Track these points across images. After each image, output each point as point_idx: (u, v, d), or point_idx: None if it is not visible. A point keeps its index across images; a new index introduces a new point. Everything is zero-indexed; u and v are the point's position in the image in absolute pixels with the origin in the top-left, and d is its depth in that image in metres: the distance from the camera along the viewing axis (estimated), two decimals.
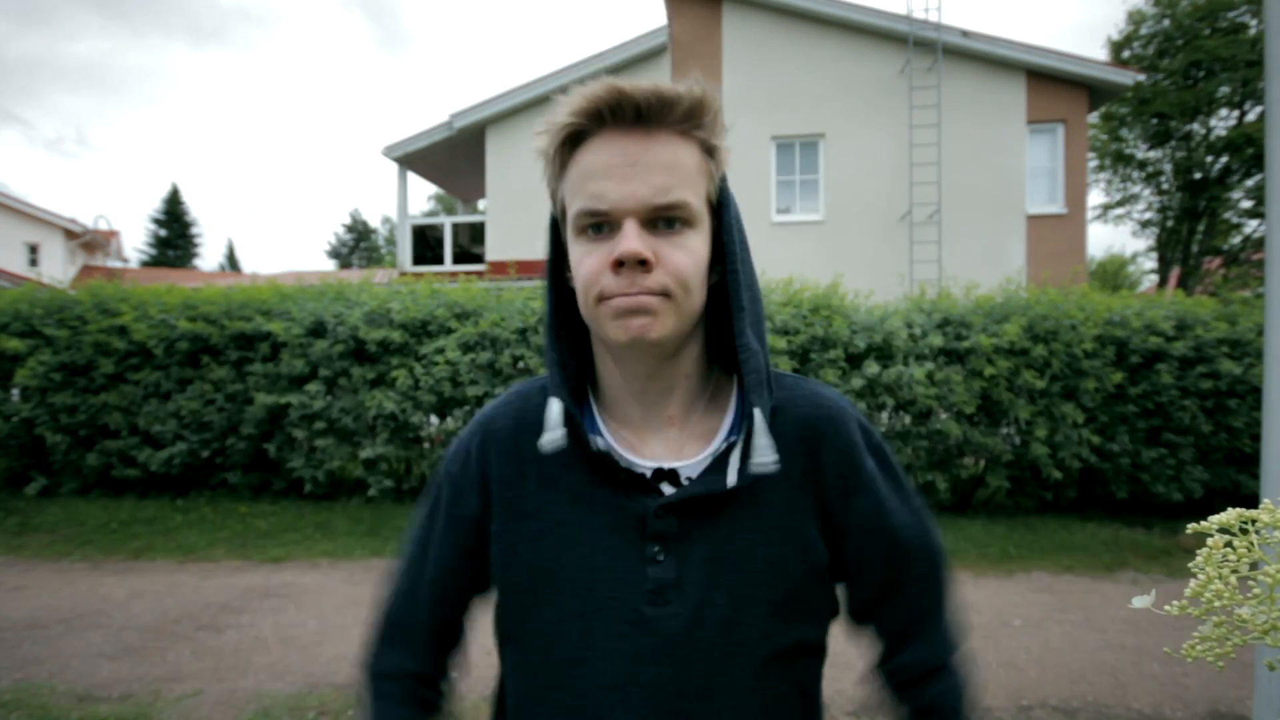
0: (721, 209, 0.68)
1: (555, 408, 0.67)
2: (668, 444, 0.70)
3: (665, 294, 0.62)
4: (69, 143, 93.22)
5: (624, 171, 0.61)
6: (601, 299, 0.63)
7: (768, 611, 0.66)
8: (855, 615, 0.77)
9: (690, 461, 0.69)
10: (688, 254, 0.63)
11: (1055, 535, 5.11)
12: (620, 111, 0.62)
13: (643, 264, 0.61)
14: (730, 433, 0.69)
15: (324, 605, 3.79)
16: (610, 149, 0.62)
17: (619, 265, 0.61)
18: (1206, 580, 0.35)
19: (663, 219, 0.62)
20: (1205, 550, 0.36)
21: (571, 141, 0.65)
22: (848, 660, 3.10)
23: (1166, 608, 0.36)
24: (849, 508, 0.70)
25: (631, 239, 0.60)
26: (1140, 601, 0.38)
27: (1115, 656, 3.16)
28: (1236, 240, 18.04)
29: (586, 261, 0.63)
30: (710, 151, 0.66)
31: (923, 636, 0.74)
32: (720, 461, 0.67)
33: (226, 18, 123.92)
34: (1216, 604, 0.34)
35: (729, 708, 0.66)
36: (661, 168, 0.62)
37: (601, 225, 0.63)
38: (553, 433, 0.67)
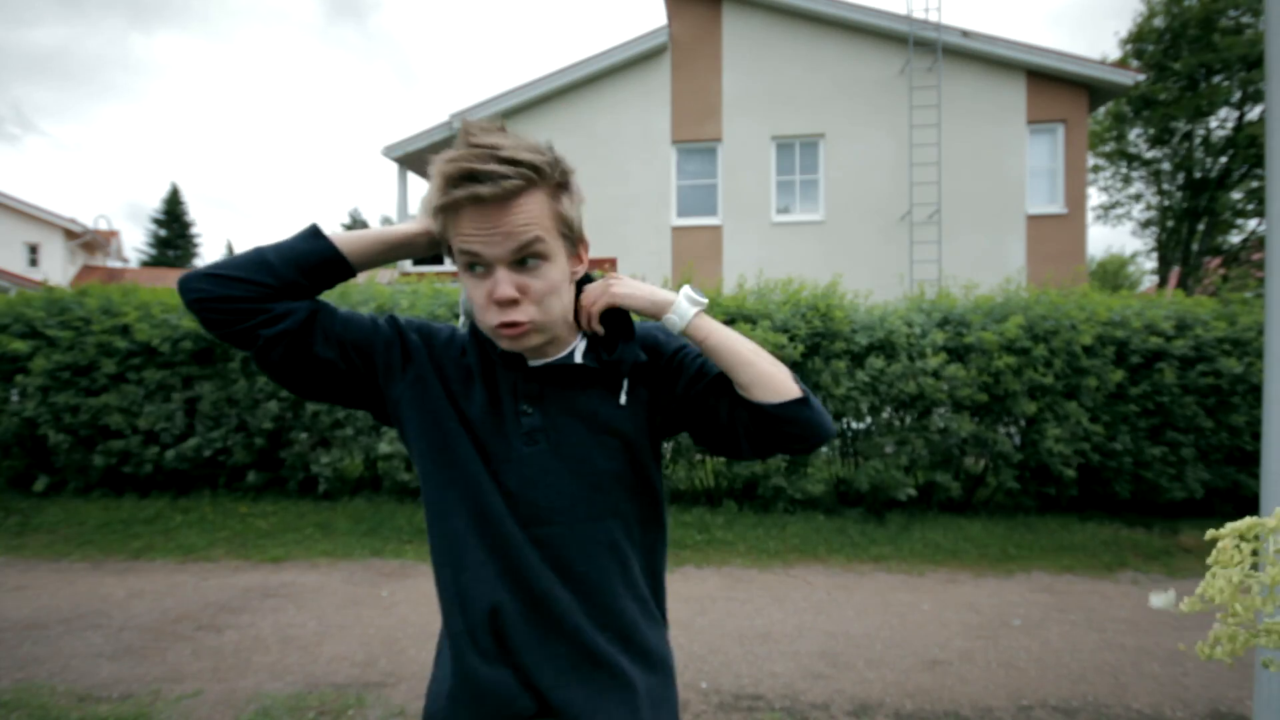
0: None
1: (465, 331, 1.00)
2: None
3: (531, 321, 0.87)
4: (9, 124, 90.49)
5: (489, 237, 0.83)
6: (488, 324, 0.88)
7: (613, 454, 0.95)
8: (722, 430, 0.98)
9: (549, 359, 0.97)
10: (545, 283, 0.87)
11: (1055, 535, 5.10)
12: (476, 200, 0.82)
13: (512, 300, 0.85)
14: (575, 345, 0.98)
15: (324, 605, 3.79)
16: (476, 221, 0.83)
17: (498, 302, 0.85)
18: (1216, 580, 0.35)
19: (527, 258, 0.86)
20: (1217, 551, 0.36)
21: (442, 205, 0.86)
22: (847, 660, 3.11)
23: (1181, 606, 0.36)
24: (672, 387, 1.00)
25: (503, 285, 0.85)
26: (1159, 601, 0.38)
27: (1115, 656, 3.16)
28: (1236, 240, 18.04)
29: (474, 293, 0.88)
30: (556, 190, 0.87)
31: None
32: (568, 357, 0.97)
33: (231, 14, 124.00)
34: (1226, 601, 0.35)
35: (575, 520, 0.94)
36: (518, 227, 0.83)
37: (478, 265, 0.86)
38: (462, 328, 1.01)
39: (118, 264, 25.30)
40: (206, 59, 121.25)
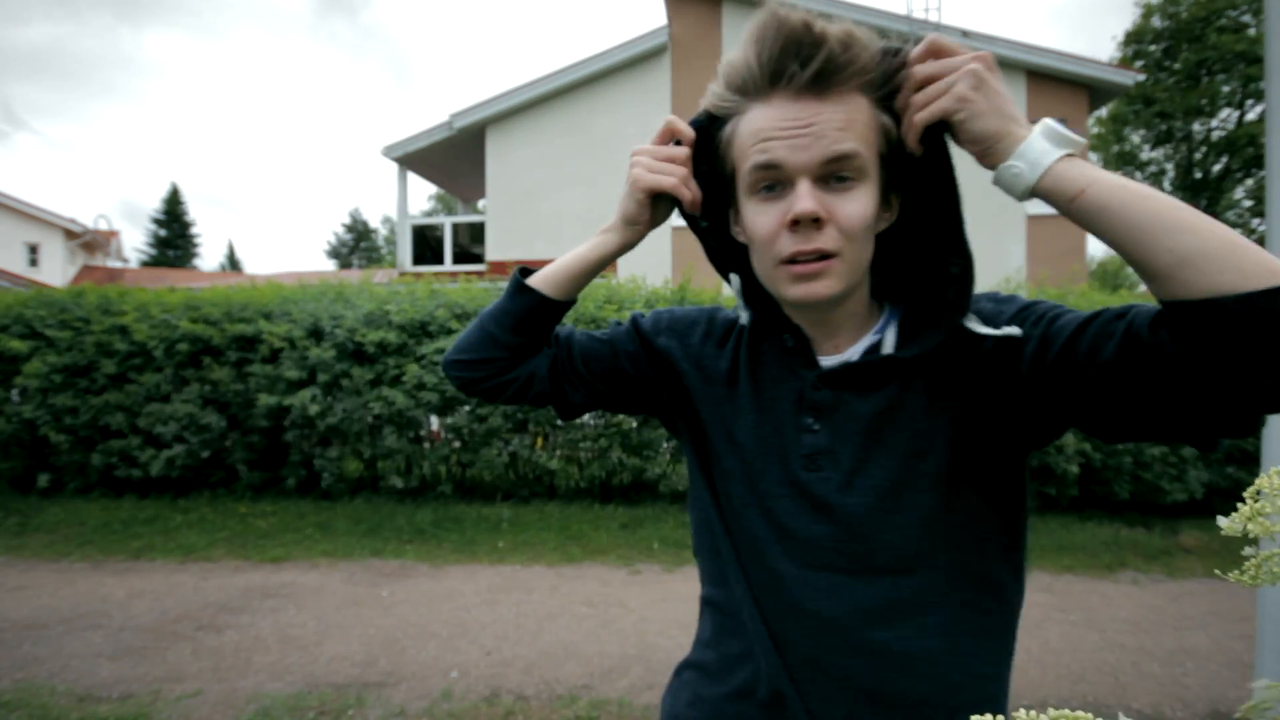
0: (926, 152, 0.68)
1: (738, 287, 0.80)
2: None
3: (836, 253, 0.66)
4: None
5: (795, 136, 0.64)
6: (780, 262, 0.67)
7: (927, 484, 0.69)
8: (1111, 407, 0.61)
9: (847, 353, 0.76)
10: (859, 206, 0.65)
11: (1055, 535, 5.10)
12: (796, 78, 0.63)
13: (816, 221, 0.65)
14: (881, 329, 0.75)
15: (324, 605, 3.79)
16: (782, 111, 0.65)
17: (795, 224, 0.65)
18: (1251, 510, 0.37)
19: (835, 175, 0.65)
20: (1258, 483, 0.38)
21: (740, 91, 0.68)
22: None
23: (1224, 527, 0.38)
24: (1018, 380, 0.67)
25: (806, 198, 0.64)
26: (1225, 522, 0.39)
27: (1115, 656, 3.16)
28: None
29: (761, 220, 0.68)
30: (885, 101, 0.67)
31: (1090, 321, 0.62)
32: (874, 348, 0.74)
33: (222, 9, 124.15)
34: (1265, 526, 0.36)
35: (881, 562, 0.69)
36: (834, 126, 0.64)
37: (774, 185, 0.67)
38: (742, 311, 0.81)
39: (118, 264, 25.30)
40: (199, 56, 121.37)
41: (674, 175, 0.74)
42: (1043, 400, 0.65)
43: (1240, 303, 0.49)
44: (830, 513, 0.70)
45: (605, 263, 0.82)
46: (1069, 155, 0.58)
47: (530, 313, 0.82)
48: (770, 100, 0.65)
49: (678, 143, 0.75)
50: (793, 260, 0.66)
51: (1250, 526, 0.36)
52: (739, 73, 0.67)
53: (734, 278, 0.79)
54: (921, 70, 0.65)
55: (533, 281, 0.82)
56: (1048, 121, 0.59)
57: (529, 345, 0.84)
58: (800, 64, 0.63)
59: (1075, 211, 0.58)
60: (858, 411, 0.71)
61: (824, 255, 0.65)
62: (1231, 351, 0.51)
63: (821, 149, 0.63)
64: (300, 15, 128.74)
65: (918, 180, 0.70)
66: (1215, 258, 0.51)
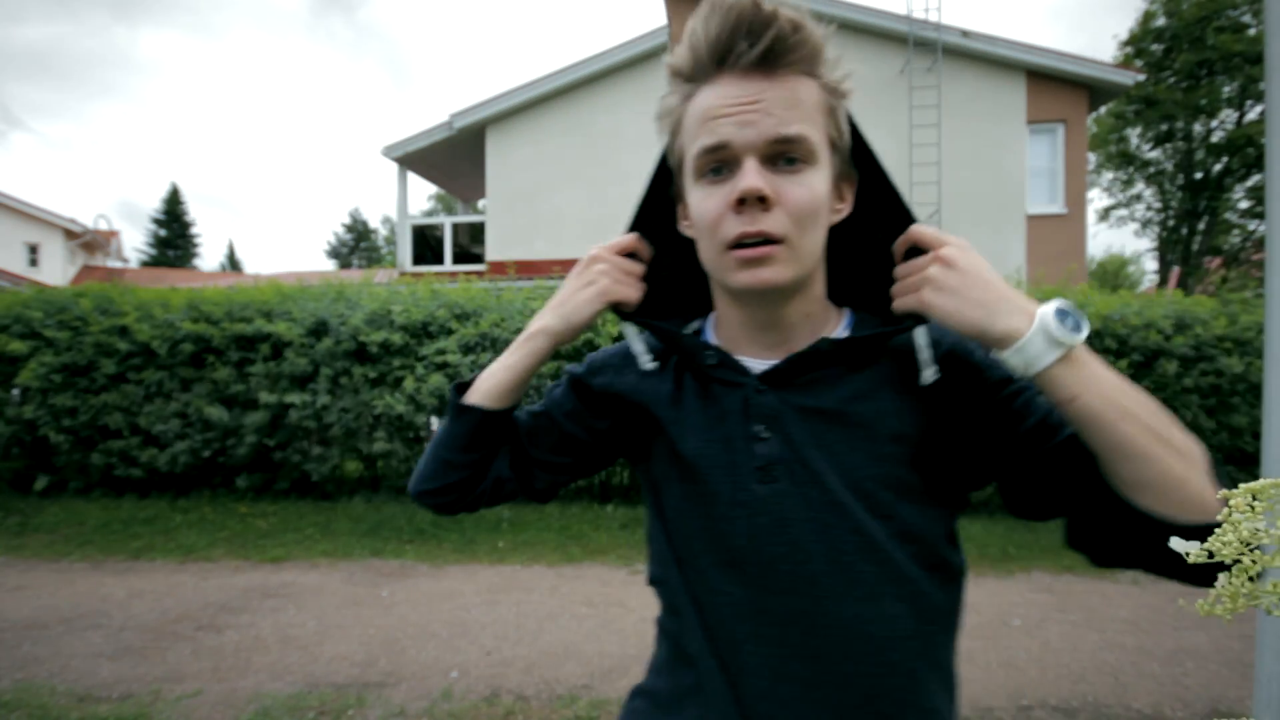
0: (856, 144, 0.72)
1: (638, 345, 0.80)
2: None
3: (783, 239, 0.64)
4: None
5: (742, 113, 0.63)
6: (727, 246, 0.65)
7: (880, 499, 0.67)
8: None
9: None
10: (807, 190, 0.65)
11: (1055, 535, 5.08)
12: (744, 56, 0.63)
13: (763, 201, 0.63)
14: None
15: (324, 605, 3.79)
16: (729, 89, 0.64)
17: (740, 204, 0.63)
18: (1224, 535, 0.36)
19: (783, 156, 0.64)
20: (1228, 509, 0.37)
21: (689, 79, 0.68)
22: None
23: (1190, 556, 0.37)
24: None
25: (751, 175, 0.63)
26: (1180, 545, 0.39)
27: (1115, 656, 3.16)
28: (1236, 240, 18.06)
29: (708, 204, 0.66)
30: (832, 91, 0.68)
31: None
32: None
33: (218, 8, 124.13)
34: (1232, 557, 0.35)
35: (842, 587, 0.67)
36: (781, 105, 0.63)
37: (721, 167, 0.65)
38: (643, 358, 0.79)
39: (118, 264, 25.30)
40: (196, 56, 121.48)
41: (636, 290, 0.77)
42: (1000, 465, 0.70)
43: (1166, 528, 0.55)
44: (786, 529, 0.66)
45: (540, 366, 0.80)
46: (1067, 355, 0.59)
47: (477, 430, 0.79)
48: (718, 81, 0.65)
49: (632, 255, 0.79)
50: (739, 244, 0.64)
51: (1232, 555, 0.36)
52: (686, 59, 0.67)
53: (628, 327, 0.80)
54: (898, 271, 0.69)
55: (471, 399, 0.79)
56: (1045, 317, 0.59)
57: (486, 457, 0.82)
58: (749, 42, 0.63)
59: (1065, 413, 0.61)
60: (808, 411, 0.68)
61: (770, 240, 0.64)
62: (1148, 552, 0.58)
63: (769, 126, 0.63)
64: (296, 13, 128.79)
65: (868, 178, 0.73)
66: (1165, 489, 0.57)
